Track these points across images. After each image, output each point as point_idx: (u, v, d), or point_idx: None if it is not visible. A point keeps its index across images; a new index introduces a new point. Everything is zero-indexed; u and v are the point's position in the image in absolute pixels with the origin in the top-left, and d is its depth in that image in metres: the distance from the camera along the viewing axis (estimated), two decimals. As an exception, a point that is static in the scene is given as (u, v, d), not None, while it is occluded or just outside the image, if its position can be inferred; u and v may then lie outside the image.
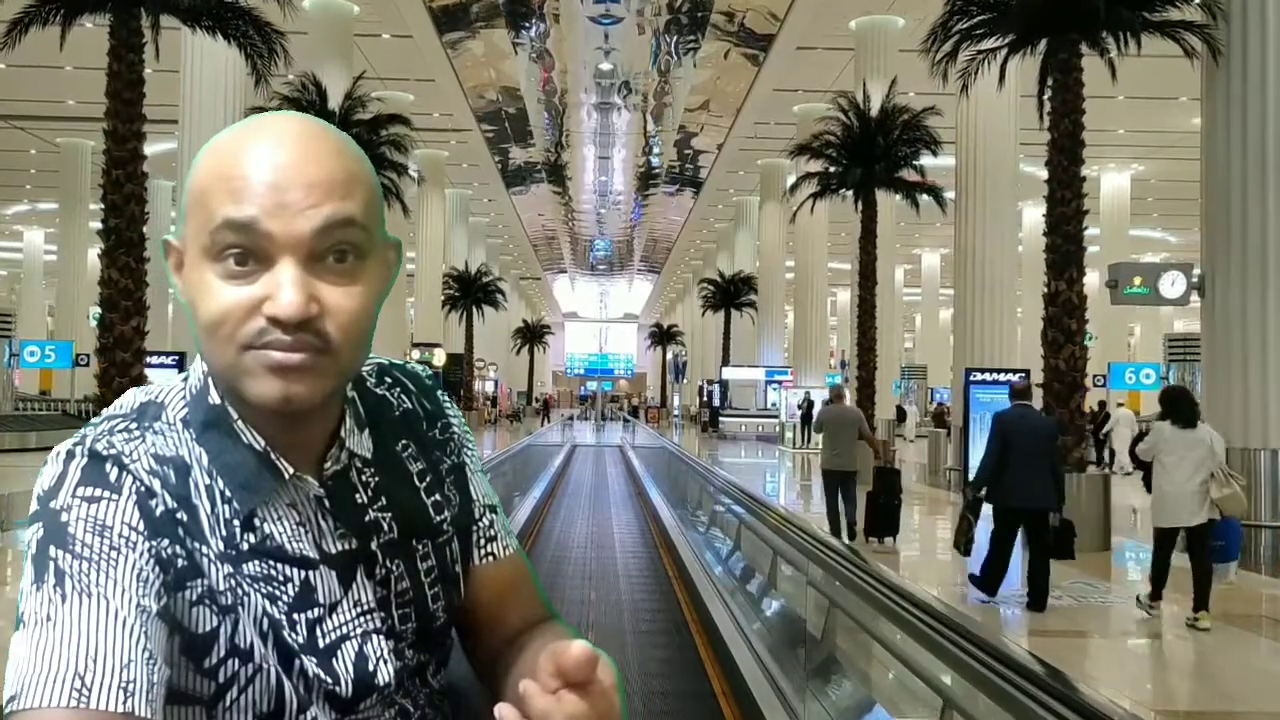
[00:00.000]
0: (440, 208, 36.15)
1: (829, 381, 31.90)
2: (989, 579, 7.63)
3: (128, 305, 10.28)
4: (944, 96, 17.72)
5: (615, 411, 60.62)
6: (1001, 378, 16.01)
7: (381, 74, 24.97)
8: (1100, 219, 30.48)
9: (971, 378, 15.86)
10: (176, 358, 14.76)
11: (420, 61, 26.04)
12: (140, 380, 10.48)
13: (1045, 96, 10.76)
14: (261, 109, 16.22)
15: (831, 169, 18.29)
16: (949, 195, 18.30)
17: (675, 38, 27.12)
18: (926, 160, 17.86)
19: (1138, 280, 11.49)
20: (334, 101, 16.68)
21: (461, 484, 1.06)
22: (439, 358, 32.28)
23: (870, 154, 17.48)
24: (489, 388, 48.94)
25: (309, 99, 16.42)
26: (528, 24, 26.65)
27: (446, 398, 1.09)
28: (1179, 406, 7.34)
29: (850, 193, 18.24)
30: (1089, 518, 10.10)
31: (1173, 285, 11.19)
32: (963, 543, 7.58)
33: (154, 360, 14.80)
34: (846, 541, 8.93)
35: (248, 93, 15.58)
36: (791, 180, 21.88)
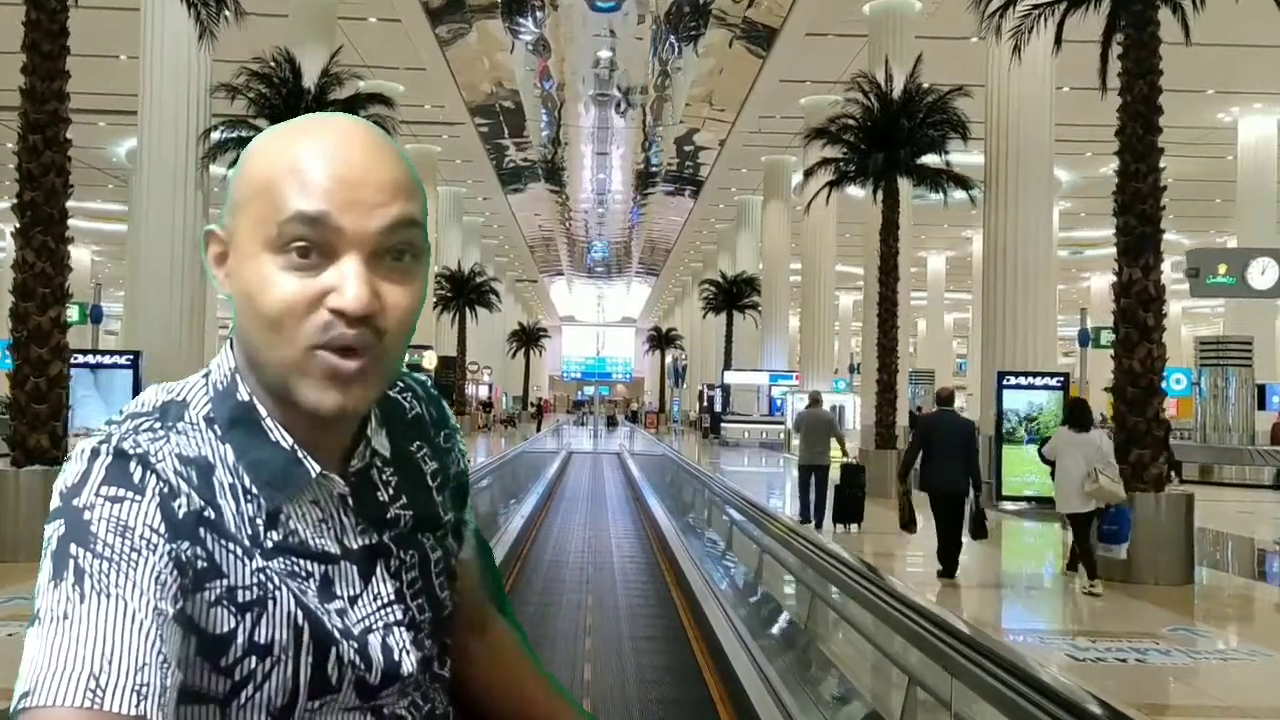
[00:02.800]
0: (432, 205, 34.92)
1: (836, 386, 30.74)
2: (944, 562, 8.98)
3: (45, 293, 8.93)
4: (969, 87, 16.58)
5: (614, 414, 58.27)
6: (1038, 381, 14.84)
7: (369, 61, 23.68)
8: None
9: (1005, 381, 14.73)
10: (130, 358, 13.49)
11: (410, 49, 24.82)
12: (60, 381, 9.19)
13: (1115, 55, 9.35)
14: (228, 86, 15.06)
15: (848, 155, 16.95)
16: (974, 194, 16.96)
17: (677, 24, 25.86)
18: (951, 155, 16.65)
19: (1222, 269, 10.06)
20: (309, 79, 15.28)
21: (462, 488, 1.07)
22: (430, 360, 30.94)
23: (893, 138, 16.12)
24: (483, 392, 47.55)
25: (281, 76, 15.04)
26: (524, 10, 25.44)
27: (448, 408, 1.08)
28: (1075, 413, 8.88)
29: (860, 189, 16.96)
30: (1169, 543, 8.75)
31: (1263, 274, 9.79)
32: (905, 520, 9.13)
33: (107, 360, 13.70)
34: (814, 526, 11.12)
35: (212, 77, 14.35)
36: (798, 177, 20.64)
